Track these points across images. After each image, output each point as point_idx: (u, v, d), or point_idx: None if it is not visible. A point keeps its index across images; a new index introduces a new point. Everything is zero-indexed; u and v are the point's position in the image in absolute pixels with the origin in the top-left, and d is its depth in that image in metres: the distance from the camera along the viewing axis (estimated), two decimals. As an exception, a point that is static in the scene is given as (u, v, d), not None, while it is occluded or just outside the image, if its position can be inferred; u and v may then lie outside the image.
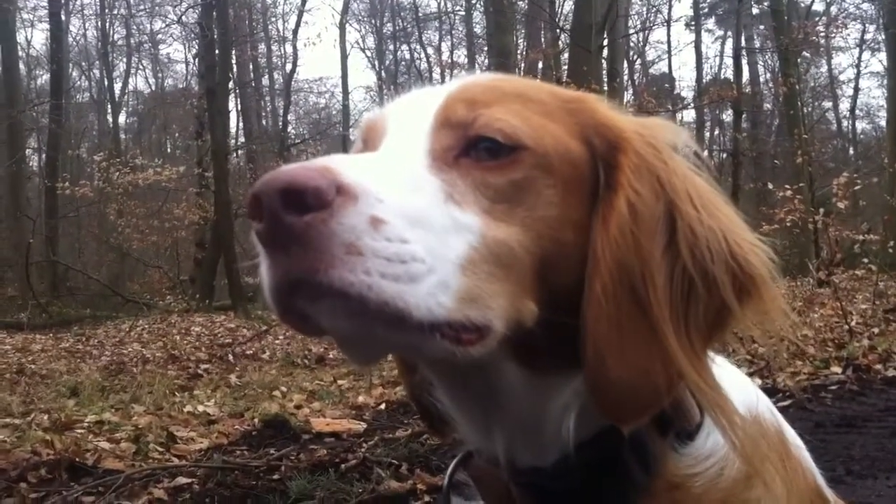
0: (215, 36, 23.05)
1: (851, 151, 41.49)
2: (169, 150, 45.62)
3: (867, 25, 38.12)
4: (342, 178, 1.02)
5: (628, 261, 1.17)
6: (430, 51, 47.20)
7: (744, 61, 32.74)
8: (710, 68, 43.39)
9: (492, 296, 1.08)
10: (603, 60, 19.67)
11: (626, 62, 35.70)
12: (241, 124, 38.89)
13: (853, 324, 11.80)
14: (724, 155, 31.65)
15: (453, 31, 44.97)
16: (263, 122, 43.41)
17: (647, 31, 39.47)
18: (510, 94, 1.24)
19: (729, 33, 39.59)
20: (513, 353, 1.17)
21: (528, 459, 1.25)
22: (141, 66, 45.68)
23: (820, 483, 1.42)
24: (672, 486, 1.25)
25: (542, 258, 1.15)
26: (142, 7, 38.12)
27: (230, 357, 13.52)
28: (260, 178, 1.03)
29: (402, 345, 1.09)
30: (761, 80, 38.64)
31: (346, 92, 41.30)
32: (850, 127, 43.22)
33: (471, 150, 1.18)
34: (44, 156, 34.56)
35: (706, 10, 40.69)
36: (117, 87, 42.94)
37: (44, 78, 38.17)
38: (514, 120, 1.19)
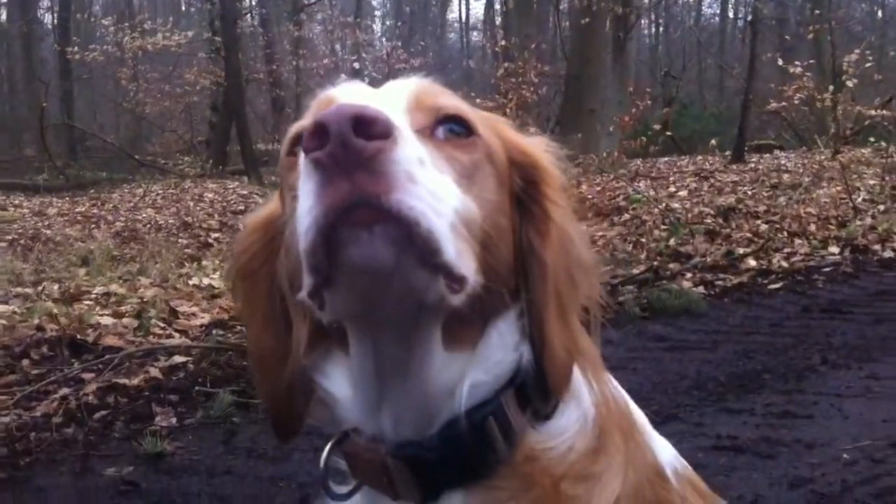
0: None
1: (880, 15, 40.39)
2: (184, 8, 44.99)
3: None
4: (396, 119, 1.13)
5: (563, 265, 1.39)
6: None
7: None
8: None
9: (468, 253, 1.21)
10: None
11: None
12: (255, -18, 38.10)
13: (859, 200, 11.80)
14: (749, 19, 30.84)
15: None
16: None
17: None
18: (455, 96, 1.41)
19: None
20: (444, 320, 1.28)
21: (409, 433, 1.35)
22: (154, -81, 44.62)
23: (660, 462, 1.52)
24: (528, 458, 1.36)
25: (486, 235, 1.28)
26: None
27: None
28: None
29: (412, 283, 1.15)
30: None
31: (361, -53, 40.24)
32: (880, -11, 41.91)
33: (439, 130, 1.31)
34: (56, 16, 34.19)
35: None
36: (130, -60, 42.01)
37: (55, -68, 37.32)
38: (472, 113, 1.37)
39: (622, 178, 16.03)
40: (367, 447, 1.39)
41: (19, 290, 9.15)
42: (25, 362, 5.76)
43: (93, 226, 15.01)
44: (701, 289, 7.85)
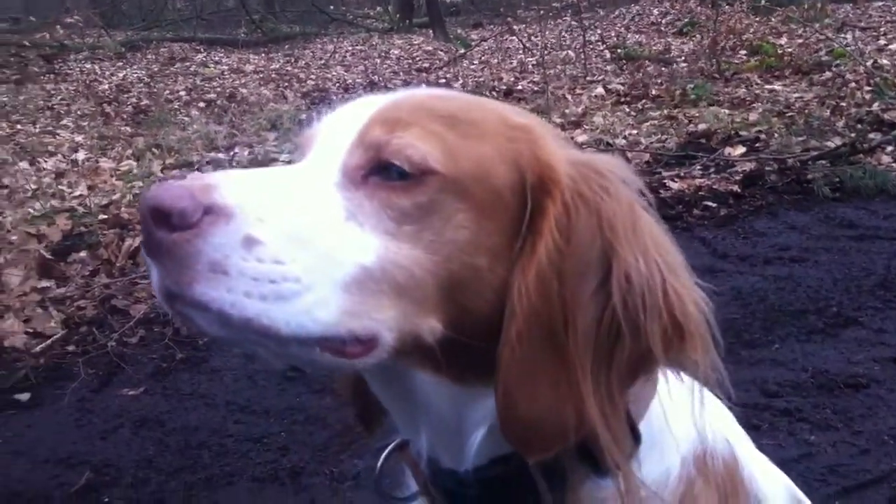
0: None
1: None
2: None
3: None
4: (217, 199, 1.06)
5: (546, 307, 1.15)
6: None
7: None
8: None
9: (379, 310, 1.11)
10: None
11: None
12: None
13: None
14: None
15: None
16: None
17: None
18: (439, 114, 1.21)
19: None
20: (420, 364, 1.19)
21: (446, 461, 1.30)
22: None
23: None
24: None
25: (449, 280, 1.15)
26: None
27: (424, 85, 13.71)
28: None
29: (285, 355, 1.13)
30: None
31: None
32: None
33: (381, 170, 1.17)
34: None
35: None
36: None
37: None
38: (426, 145, 1.16)
39: (827, 28, 14.90)
40: (416, 461, 1.37)
41: (212, 155, 9.64)
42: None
43: (285, 85, 15.41)
44: (902, 165, 7.27)
